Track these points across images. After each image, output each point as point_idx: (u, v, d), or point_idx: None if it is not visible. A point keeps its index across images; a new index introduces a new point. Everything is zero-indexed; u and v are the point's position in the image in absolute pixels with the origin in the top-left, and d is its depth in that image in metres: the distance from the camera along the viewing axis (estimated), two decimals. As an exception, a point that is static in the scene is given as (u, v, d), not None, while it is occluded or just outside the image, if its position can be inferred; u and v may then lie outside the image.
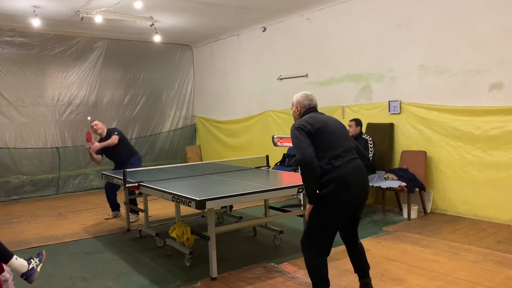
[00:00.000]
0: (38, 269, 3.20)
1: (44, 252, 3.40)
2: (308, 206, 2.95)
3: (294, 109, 3.28)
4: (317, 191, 2.87)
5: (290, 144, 6.65)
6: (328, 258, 4.34)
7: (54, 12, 7.22)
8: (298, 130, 2.95)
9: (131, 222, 5.90)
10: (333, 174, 2.85)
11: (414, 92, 6.18)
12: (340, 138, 3.02)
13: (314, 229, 2.95)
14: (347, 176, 2.87)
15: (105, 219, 6.40)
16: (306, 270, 3.96)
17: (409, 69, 6.21)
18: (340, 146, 2.97)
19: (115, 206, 6.46)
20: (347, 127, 4.94)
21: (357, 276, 3.25)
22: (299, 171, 2.91)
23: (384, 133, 6.44)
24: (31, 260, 3.19)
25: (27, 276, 3.10)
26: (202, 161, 10.38)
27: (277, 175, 5.17)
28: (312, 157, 2.81)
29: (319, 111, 3.25)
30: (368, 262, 3.26)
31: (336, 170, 2.85)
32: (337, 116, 6.94)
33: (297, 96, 3.29)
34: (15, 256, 3.07)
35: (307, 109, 3.22)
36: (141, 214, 5.53)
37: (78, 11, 7.13)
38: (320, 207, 2.89)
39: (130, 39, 9.72)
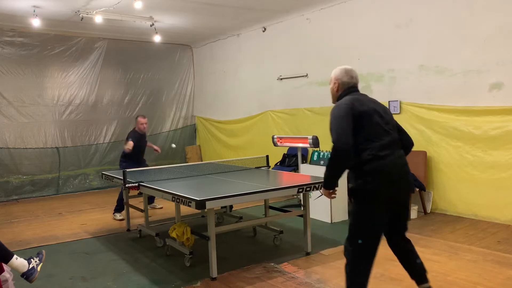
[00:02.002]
0: (38, 268, 3.20)
1: (44, 251, 3.39)
2: (324, 190, 2.80)
3: (331, 85, 2.99)
4: (359, 186, 2.66)
5: (290, 144, 6.64)
6: (328, 258, 4.35)
7: (54, 12, 7.22)
8: (343, 110, 2.67)
9: (120, 219, 6.32)
10: (376, 165, 2.61)
11: (414, 92, 6.18)
12: (385, 125, 2.75)
13: (359, 229, 2.69)
14: (391, 167, 2.64)
15: (119, 220, 6.36)
16: (305, 270, 3.98)
17: (409, 69, 6.21)
18: (385, 135, 2.71)
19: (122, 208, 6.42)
20: None
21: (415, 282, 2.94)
22: (330, 158, 2.64)
23: (384, 133, 6.43)
24: (31, 259, 3.19)
25: (27, 275, 3.10)
26: (202, 161, 10.38)
27: (277, 175, 5.17)
28: (350, 147, 2.58)
29: (360, 92, 2.94)
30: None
31: (379, 161, 2.62)
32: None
33: (335, 71, 2.99)
34: (15, 256, 3.07)
35: (347, 88, 2.91)
36: (141, 214, 5.52)
37: (78, 11, 7.13)
38: (362, 203, 2.67)
39: (130, 39, 9.72)
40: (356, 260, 2.72)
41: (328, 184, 2.76)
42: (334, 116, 2.70)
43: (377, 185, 2.61)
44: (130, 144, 6.25)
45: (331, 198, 2.85)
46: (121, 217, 6.36)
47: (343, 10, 7.07)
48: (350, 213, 2.77)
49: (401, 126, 2.97)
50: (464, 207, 5.69)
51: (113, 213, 6.53)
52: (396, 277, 3.70)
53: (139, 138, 6.53)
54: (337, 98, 2.94)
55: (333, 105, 2.91)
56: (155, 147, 7.03)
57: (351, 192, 2.74)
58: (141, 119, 6.59)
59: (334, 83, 2.97)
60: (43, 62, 8.87)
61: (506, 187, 5.22)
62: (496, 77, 5.30)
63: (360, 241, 2.67)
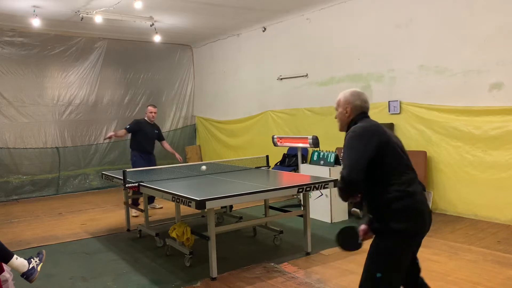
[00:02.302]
0: (39, 268, 3.20)
1: (44, 251, 3.39)
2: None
3: (340, 110, 2.54)
4: (389, 227, 2.29)
5: (290, 144, 6.64)
6: (328, 258, 4.35)
7: (54, 12, 7.22)
8: (359, 139, 2.32)
9: (135, 216, 6.25)
10: (408, 203, 2.28)
11: (414, 92, 6.18)
12: (406, 155, 2.41)
13: (384, 273, 2.29)
14: (421, 205, 2.33)
15: (133, 216, 6.33)
16: (305, 270, 3.98)
17: (409, 69, 6.21)
18: (409, 168, 2.37)
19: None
20: None
21: None
22: (339, 188, 2.35)
23: (384, 133, 6.43)
24: (31, 259, 3.19)
25: (27, 275, 3.10)
26: (202, 161, 10.37)
27: (277, 175, 5.17)
28: (360, 182, 2.25)
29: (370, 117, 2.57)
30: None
31: (410, 198, 2.28)
32: (337, 116, 6.94)
33: (345, 94, 2.54)
34: (15, 256, 3.07)
35: (361, 113, 2.51)
36: (141, 214, 5.52)
37: (78, 11, 7.13)
38: (389, 245, 2.29)
39: (130, 39, 9.72)
40: None
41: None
42: (349, 145, 2.34)
43: (411, 225, 2.29)
44: (119, 132, 6.79)
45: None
46: (135, 214, 6.35)
47: (343, 10, 7.07)
48: (373, 252, 2.35)
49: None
50: (464, 207, 5.69)
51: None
52: (396, 277, 3.70)
53: (145, 125, 6.75)
54: (347, 124, 2.54)
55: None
56: (178, 156, 6.99)
57: (377, 232, 2.38)
58: (150, 108, 6.86)
59: (345, 107, 2.51)
60: (43, 62, 8.87)
61: (506, 187, 5.22)
62: (496, 77, 5.30)
63: (382, 279, 2.31)
